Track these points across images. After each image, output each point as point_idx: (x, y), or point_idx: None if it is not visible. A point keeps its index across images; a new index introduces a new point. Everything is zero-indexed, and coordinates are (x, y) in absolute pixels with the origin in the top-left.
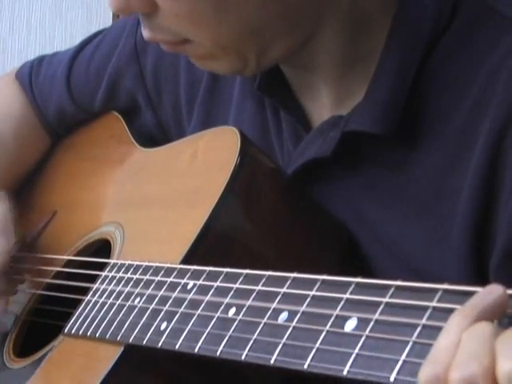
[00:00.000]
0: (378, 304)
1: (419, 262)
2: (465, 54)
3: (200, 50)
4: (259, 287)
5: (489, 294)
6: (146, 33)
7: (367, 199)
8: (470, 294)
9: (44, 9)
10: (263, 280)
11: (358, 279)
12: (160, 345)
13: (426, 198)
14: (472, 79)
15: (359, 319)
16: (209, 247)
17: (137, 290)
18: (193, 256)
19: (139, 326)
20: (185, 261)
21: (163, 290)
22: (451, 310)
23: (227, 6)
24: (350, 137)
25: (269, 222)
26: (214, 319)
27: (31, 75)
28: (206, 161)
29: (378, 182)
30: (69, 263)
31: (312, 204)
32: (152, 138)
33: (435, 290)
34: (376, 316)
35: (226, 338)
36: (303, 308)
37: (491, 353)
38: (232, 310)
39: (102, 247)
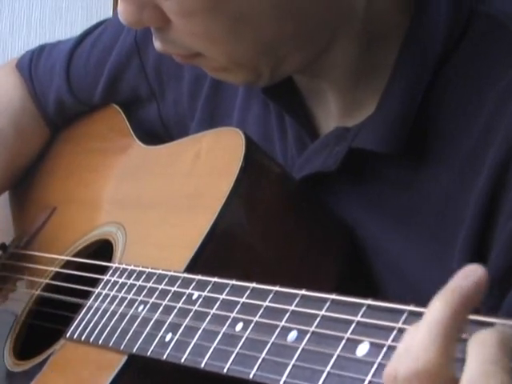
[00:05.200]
0: (390, 329)
1: (419, 281)
2: (476, 73)
3: (213, 64)
4: (267, 303)
5: (466, 277)
6: (157, 45)
7: (370, 216)
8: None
9: (44, 9)
10: (271, 295)
11: (370, 301)
12: (165, 357)
13: (430, 221)
14: (483, 100)
15: (371, 344)
16: (213, 253)
17: (140, 298)
18: (197, 263)
19: (143, 336)
20: (189, 267)
21: (167, 299)
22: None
23: (243, 25)
24: (357, 153)
25: (273, 227)
26: (221, 334)
27: (31, 65)
28: (209, 163)
29: (383, 199)
30: (69, 263)
31: (317, 210)
32: (152, 132)
33: None
34: (389, 342)
35: (234, 355)
36: (313, 328)
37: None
38: (239, 326)
39: (103, 247)
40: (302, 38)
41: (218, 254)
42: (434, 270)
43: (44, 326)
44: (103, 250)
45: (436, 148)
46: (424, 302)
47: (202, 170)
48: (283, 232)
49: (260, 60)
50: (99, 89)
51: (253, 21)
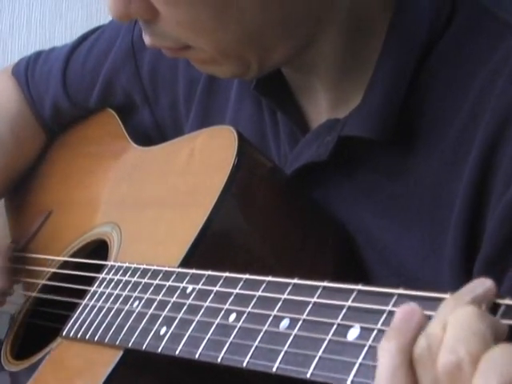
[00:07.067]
0: (381, 312)
1: (412, 269)
2: (461, 60)
3: (201, 56)
4: (259, 293)
5: (479, 284)
6: (147, 39)
7: (362, 204)
8: None
9: (44, 9)
10: (263, 286)
11: (360, 286)
12: (160, 350)
13: (422, 206)
14: (468, 85)
15: (362, 328)
16: (207, 249)
17: (135, 294)
18: (191, 258)
19: (138, 330)
20: (183, 263)
21: (162, 294)
22: None
23: (227, 14)
24: (347, 141)
25: (267, 223)
26: (214, 325)
27: (27, 71)
28: (203, 160)
29: (374, 187)
30: (66, 263)
31: (311, 204)
32: (147, 136)
33: (438, 299)
34: (379, 325)
35: (227, 345)
36: (304, 316)
37: (479, 339)
38: (232, 316)
39: (99, 247)
40: (286, 27)
41: (211, 250)
42: (428, 256)
43: (42, 326)
44: (100, 250)
45: (425, 133)
46: (415, 289)
47: (196, 167)
48: (278, 227)
49: (246, 50)
50: (95, 93)
51: (237, 9)
